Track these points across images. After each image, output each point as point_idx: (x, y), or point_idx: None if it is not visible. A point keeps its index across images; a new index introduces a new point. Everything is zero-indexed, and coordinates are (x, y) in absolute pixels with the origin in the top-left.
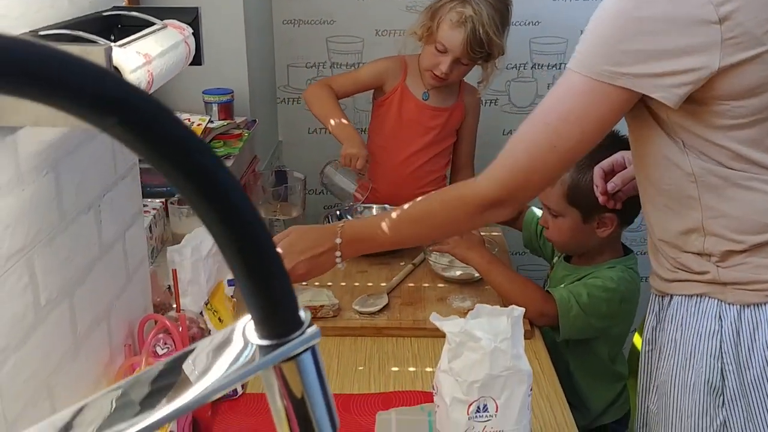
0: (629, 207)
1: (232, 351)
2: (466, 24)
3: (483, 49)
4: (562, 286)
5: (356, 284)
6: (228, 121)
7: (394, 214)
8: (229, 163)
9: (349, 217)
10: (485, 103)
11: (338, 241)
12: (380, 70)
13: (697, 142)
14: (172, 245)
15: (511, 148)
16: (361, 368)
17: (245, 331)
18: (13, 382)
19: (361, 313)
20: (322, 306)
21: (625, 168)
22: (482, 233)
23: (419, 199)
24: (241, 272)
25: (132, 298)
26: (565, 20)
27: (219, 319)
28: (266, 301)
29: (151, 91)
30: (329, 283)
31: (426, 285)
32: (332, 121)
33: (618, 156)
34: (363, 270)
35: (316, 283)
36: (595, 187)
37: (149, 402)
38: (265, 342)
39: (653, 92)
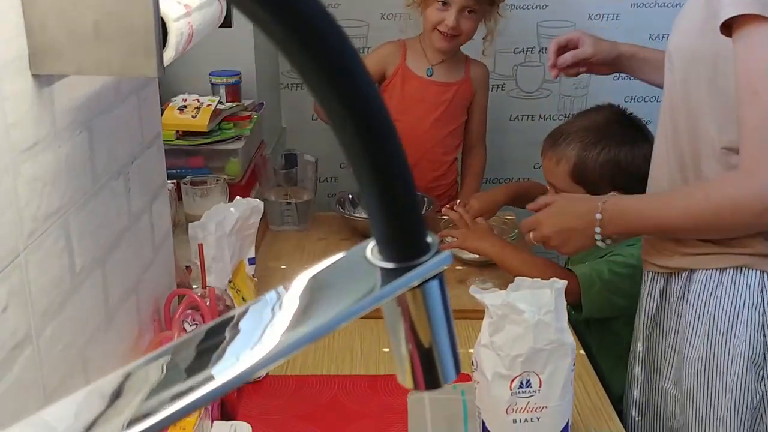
0: (634, 184)
1: (350, 279)
2: None
3: None
4: (585, 263)
5: None
6: (236, 103)
7: (663, 198)
8: (240, 144)
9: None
10: (491, 88)
11: (598, 216)
12: (379, 58)
13: None
14: (186, 226)
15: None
16: (386, 350)
17: (367, 254)
18: (51, 351)
19: None
20: None
21: (578, 48)
22: (493, 219)
23: (685, 188)
24: (374, 187)
25: (158, 273)
26: (573, 4)
27: (242, 298)
28: (398, 218)
29: (190, 47)
30: None
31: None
32: None
33: (576, 33)
34: None
35: None
36: (547, 59)
37: (215, 357)
38: (391, 265)
39: None
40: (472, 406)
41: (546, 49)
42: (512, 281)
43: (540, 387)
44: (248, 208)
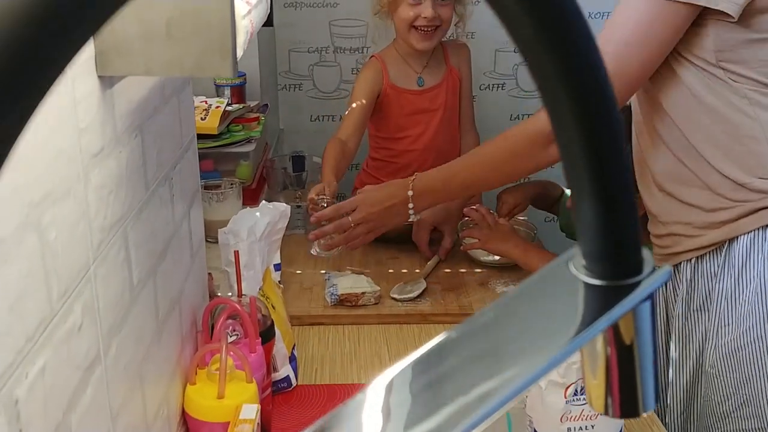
0: None
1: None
2: None
3: None
4: None
5: (390, 271)
6: (242, 105)
7: (462, 161)
8: (252, 147)
9: None
10: (491, 88)
11: (410, 193)
12: (366, 86)
13: (736, 66)
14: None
15: None
16: None
17: (572, 270)
18: (116, 370)
19: (401, 300)
20: (363, 293)
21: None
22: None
23: (485, 142)
24: (598, 198)
25: (195, 282)
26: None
27: (272, 306)
28: (620, 230)
29: (247, 45)
30: (367, 270)
31: (463, 270)
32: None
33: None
34: (394, 256)
35: (348, 270)
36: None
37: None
38: (604, 282)
39: (718, 3)
40: (516, 414)
41: None
42: None
43: None
44: (277, 212)
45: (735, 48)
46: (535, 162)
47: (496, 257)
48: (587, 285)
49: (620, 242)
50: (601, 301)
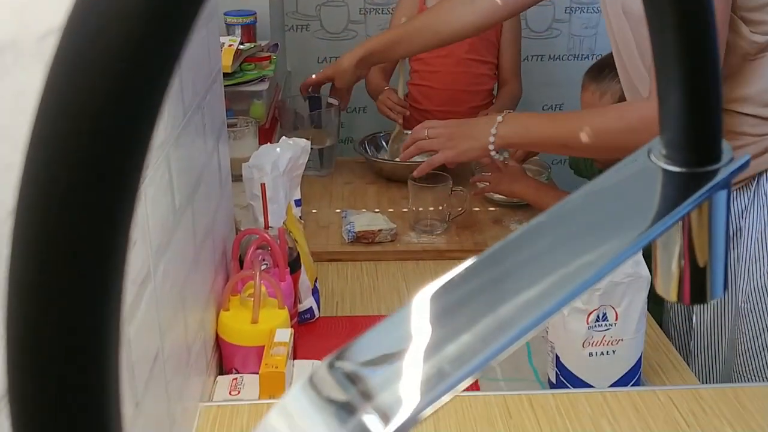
0: None
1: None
2: None
3: None
4: None
5: (404, 210)
6: (254, 44)
7: (568, 114)
8: (265, 86)
9: (384, 144)
10: None
11: (499, 119)
12: (405, 9)
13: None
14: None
15: None
16: None
17: (652, 158)
18: (164, 289)
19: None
20: (380, 230)
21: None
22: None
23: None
24: (685, 80)
25: (224, 214)
26: None
27: (294, 240)
28: (705, 116)
29: None
30: (376, 210)
31: (477, 209)
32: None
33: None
34: (407, 196)
35: (363, 210)
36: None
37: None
38: (685, 170)
39: None
40: (536, 341)
41: None
42: None
43: (616, 320)
44: (298, 148)
45: None
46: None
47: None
48: (667, 172)
49: (704, 130)
50: (681, 187)
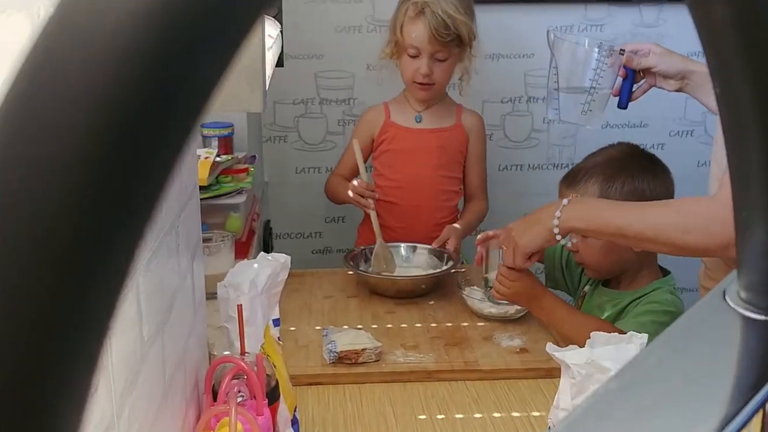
0: None
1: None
2: (424, 12)
3: (449, 30)
4: (624, 319)
5: (389, 326)
6: (231, 156)
7: (629, 204)
8: (242, 198)
9: (368, 254)
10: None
11: (564, 202)
12: (366, 125)
13: None
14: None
15: None
16: (422, 417)
17: (731, 301)
18: None
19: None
20: (364, 350)
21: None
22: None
23: (655, 202)
24: None
25: (197, 340)
26: None
27: (273, 365)
28: None
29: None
30: (359, 326)
31: (465, 324)
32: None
33: (646, 45)
34: (391, 311)
35: (345, 327)
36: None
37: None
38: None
39: None
40: None
41: (534, 98)
42: (542, 336)
43: None
44: (277, 264)
45: None
46: (701, 255)
47: (492, 310)
48: (748, 320)
49: None
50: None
